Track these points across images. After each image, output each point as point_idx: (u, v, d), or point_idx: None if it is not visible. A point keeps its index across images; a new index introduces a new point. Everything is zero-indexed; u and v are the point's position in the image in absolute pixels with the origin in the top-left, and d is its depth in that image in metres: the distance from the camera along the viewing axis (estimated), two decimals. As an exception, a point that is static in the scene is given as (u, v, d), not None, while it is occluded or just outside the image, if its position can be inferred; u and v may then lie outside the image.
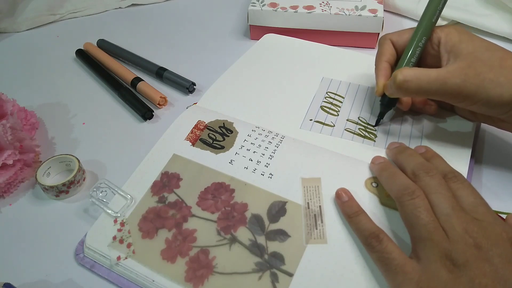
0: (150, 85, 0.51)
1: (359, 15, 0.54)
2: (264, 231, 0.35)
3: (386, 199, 0.35)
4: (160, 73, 0.53)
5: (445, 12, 0.54)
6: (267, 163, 0.39)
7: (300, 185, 0.37)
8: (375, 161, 0.37)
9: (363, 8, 0.55)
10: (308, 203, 0.36)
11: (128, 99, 0.50)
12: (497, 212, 0.31)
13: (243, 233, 0.35)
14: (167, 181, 0.38)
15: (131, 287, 0.33)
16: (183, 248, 0.34)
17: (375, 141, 0.41)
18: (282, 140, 0.40)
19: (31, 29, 0.66)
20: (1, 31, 0.65)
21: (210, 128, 0.42)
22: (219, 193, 0.37)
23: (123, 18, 0.67)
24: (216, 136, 0.41)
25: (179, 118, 0.43)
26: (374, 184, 0.36)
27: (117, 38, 0.60)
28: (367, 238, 0.31)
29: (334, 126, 0.43)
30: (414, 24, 0.40)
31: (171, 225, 0.36)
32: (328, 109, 0.45)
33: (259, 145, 0.40)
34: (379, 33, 0.55)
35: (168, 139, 0.42)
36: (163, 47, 0.60)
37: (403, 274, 0.28)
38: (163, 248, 0.34)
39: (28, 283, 0.35)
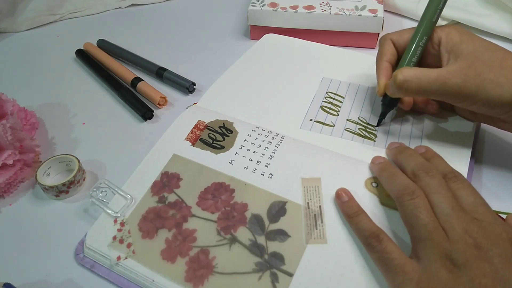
0: (150, 85, 0.51)
1: (359, 15, 0.54)
2: (264, 231, 0.35)
3: (386, 199, 0.35)
4: (160, 73, 0.53)
5: (445, 12, 0.54)
6: (267, 163, 0.39)
7: (300, 185, 0.37)
8: (375, 161, 0.37)
9: (363, 8, 0.55)
10: (308, 203, 0.36)
11: (128, 99, 0.50)
12: (497, 212, 0.30)
13: (243, 233, 0.35)
14: (167, 181, 0.38)
15: (131, 287, 0.33)
16: (183, 248, 0.34)
17: (375, 141, 0.41)
18: (282, 140, 0.40)
19: (31, 29, 0.65)
20: (1, 31, 0.65)
21: (210, 128, 0.42)
22: (219, 193, 0.37)
23: (123, 18, 0.67)
24: (216, 136, 0.41)
25: (179, 118, 0.43)
26: (374, 184, 0.36)
27: (117, 38, 0.60)
28: (367, 238, 0.31)
29: (334, 126, 0.43)
30: (414, 24, 0.40)
31: (171, 225, 0.36)
32: (328, 109, 0.45)
33: (259, 145, 0.40)
34: (379, 33, 0.55)
35: (168, 139, 0.42)
36: (163, 47, 0.60)
37: (403, 274, 0.28)
38: (163, 248, 0.34)
39: (28, 283, 0.35)
